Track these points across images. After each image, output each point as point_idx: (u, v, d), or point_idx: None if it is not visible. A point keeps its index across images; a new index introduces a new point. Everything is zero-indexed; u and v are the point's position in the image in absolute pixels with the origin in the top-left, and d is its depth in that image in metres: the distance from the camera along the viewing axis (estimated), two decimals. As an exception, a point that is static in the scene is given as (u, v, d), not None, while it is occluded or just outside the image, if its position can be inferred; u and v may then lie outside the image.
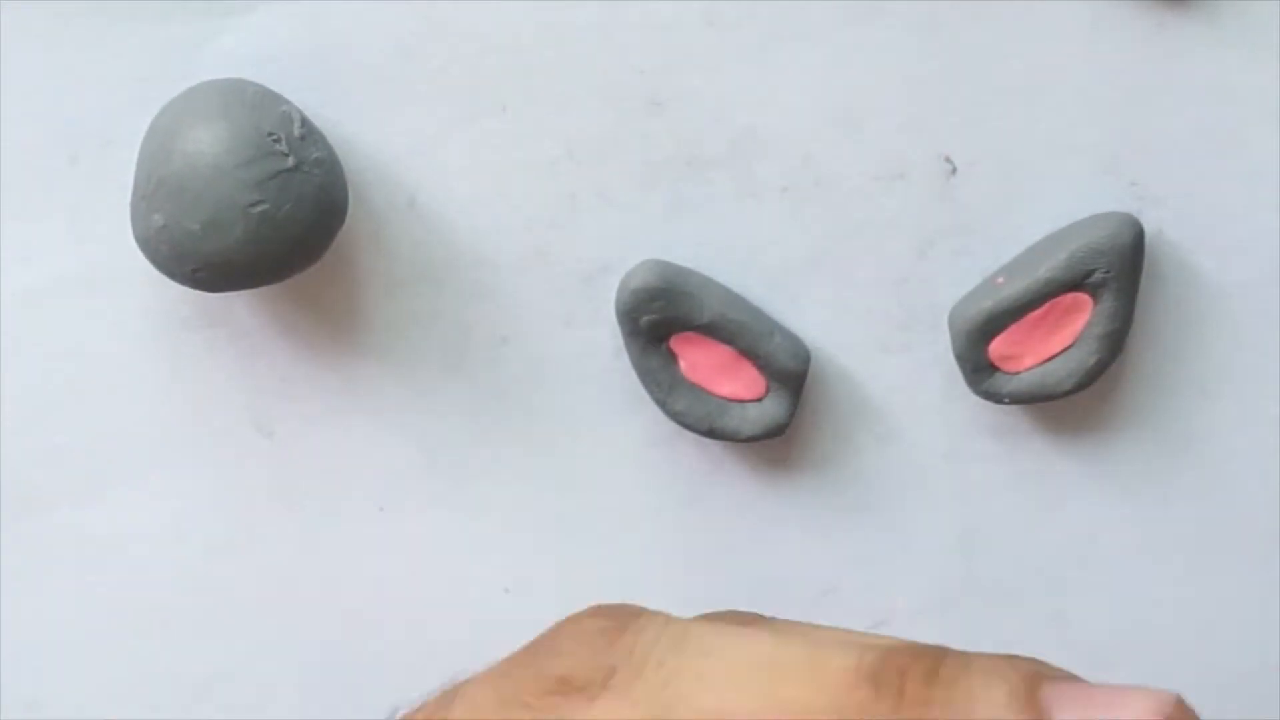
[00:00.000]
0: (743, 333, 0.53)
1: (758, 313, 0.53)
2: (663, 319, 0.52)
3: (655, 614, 0.32)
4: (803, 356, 0.53)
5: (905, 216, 0.53)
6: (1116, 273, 0.51)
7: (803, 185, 0.53)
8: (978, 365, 0.53)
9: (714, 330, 0.53)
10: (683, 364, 0.53)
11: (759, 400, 0.54)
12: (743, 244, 0.53)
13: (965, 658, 0.30)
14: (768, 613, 0.56)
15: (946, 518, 0.56)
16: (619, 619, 0.32)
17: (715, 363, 0.53)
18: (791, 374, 0.53)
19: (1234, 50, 0.51)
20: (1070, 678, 0.30)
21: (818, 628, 0.33)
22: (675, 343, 0.53)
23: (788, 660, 0.30)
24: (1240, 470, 0.55)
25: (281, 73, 0.52)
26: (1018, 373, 0.53)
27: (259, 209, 0.48)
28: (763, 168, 0.53)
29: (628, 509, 0.56)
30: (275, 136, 0.49)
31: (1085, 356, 0.52)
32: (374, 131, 0.53)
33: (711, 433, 0.54)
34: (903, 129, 0.52)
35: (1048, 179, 0.52)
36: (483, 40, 0.52)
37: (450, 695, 0.33)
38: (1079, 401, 0.54)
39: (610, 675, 0.30)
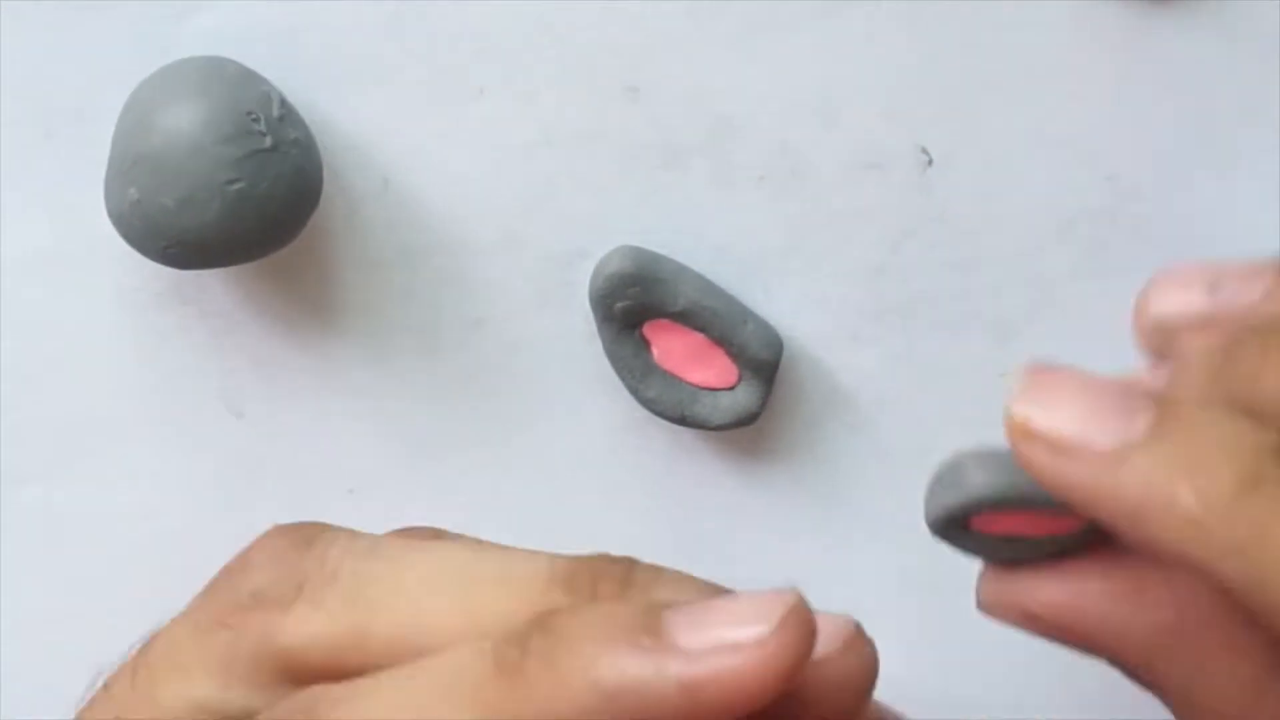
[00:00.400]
0: (715, 321, 0.53)
1: (731, 301, 0.53)
2: (636, 305, 0.52)
3: (341, 529, 0.32)
4: (775, 345, 0.53)
5: (881, 207, 0.53)
6: None
7: (779, 174, 0.53)
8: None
9: (687, 318, 0.53)
10: (655, 351, 0.53)
11: (731, 389, 0.54)
12: (718, 232, 0.53)
13: (659, 570, 0.31)
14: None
15: (917, 507, 0.56)
16: (306, 534, 0.32)
17: (688, 350, 0.53)
18: (764, 363, 0.53)
19: (1214, 44, 0.51)
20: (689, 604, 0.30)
21: (508, 546, 0.33)
22: (648, 329, 0.53)
23: (481, 567, 0.30)
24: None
25: (258, 51, 0.52)
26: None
27: (235, 187, 0.48)
28: (739, 156, 0.53)
29: (598, 495, 0.56)
30: (254, 116, 0.49)
31: None
32: (350, 112, 0.53)
33: (683, 420, 0.54)
34: (880, 119, 0.52)
35: (1025, 172, 0.53)
36: (461, 24, 0.52)
37: (152, 639, 0.33)
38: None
39: (302, 586, 0.30)
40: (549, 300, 0.54)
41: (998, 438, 0.55)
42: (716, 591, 0.31)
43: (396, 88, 0.52)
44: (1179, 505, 0.28)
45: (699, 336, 0.53)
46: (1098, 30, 0.51)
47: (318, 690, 0.29)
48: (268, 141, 0.49)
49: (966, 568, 0.56)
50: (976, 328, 0.54)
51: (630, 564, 0.31)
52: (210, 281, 0.54)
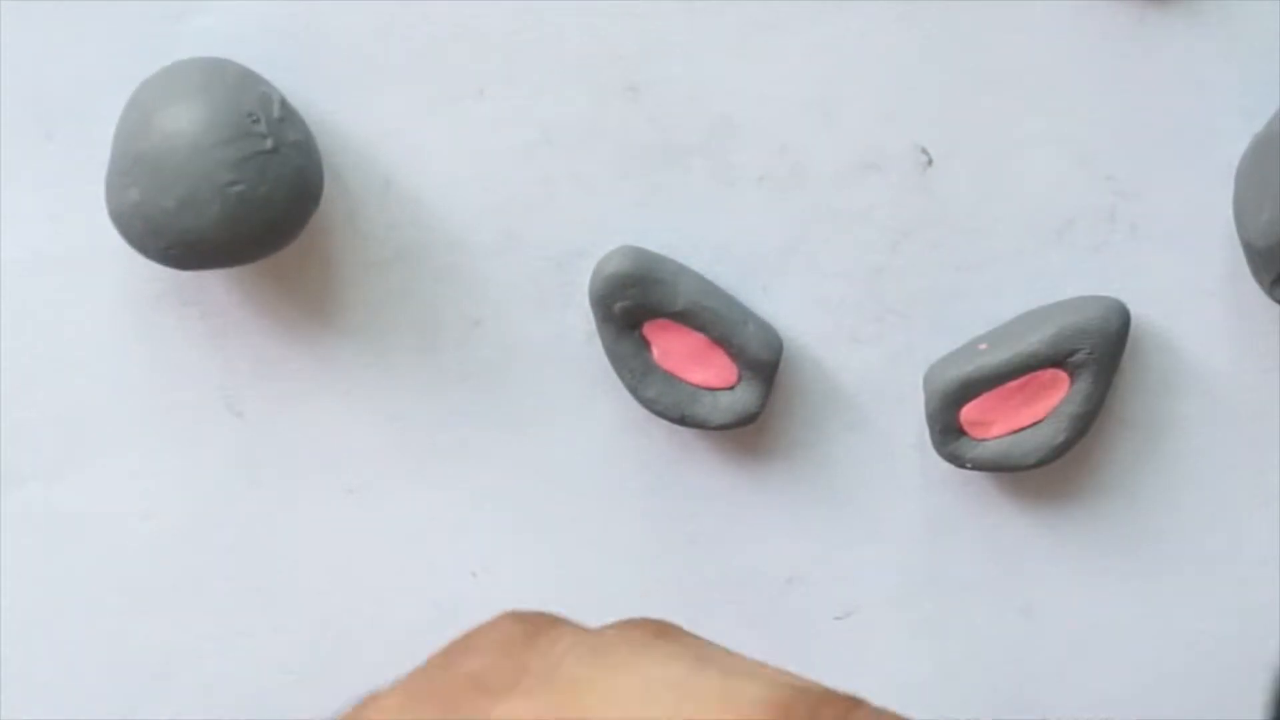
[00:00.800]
0: (716, 321, 0.53)
1: (731, 301, 0.53)
2: (636, 305, 0.52)
3: (572, 623, 0.32)
4: (775, 346, 0.53)
5: (880, 207, 0.53)
6: (1099, 355, 0.52)
7: (779, 174, 0.53)
8: (946, 427, 0.53)
9: (687, 318, 0.53)
10: (655, 351, 0.53)
11: (730, 388, 0.54)
12: (717, 232, 0.53)
13: (879, 712, 0.30)
14: (732, 603, 0.56)
15: (915, 508, 0.56)
16: (535, 625, 0.32)
17: (687, 350, 0.53)
18: (763, 363, 0.53)
19: (1211, 46, 0.51)
20: None
21: (735, 654, 0.33)
22: (648, 329, 0.53)
23: (701, 685, 0.30)
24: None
25: (258, 52, 0.52)
26: (985, 440, 0.53)
27: (236, 189, 0.48)
28: (739, 156, 0.53)
29: (597, 494, 0.56)
30: (255, 117, 0.49)
31: (1054, 434, 0.53)
32: (351, 113, 0.53)
33: (682, 420, 0.54)
34: (880, 120, 0.52)
35: (1024, 172, 0.53)
36: (461, 24, 0.52)
37: (365, 701, 0.33)
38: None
39: (521, 678, 0.30)
40: (549, 300, 0.54)
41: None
42: None
43: (397, 89, 0.52)
44: None
45: (699, 336, 0.53)
46: (1096, 31, 0.51)
47: None
48: (268, 143, 0.49)
49: (964, 567, 0.56)
50: (975, 327, 0.54)
51: (850, 706, 0.30)
52: (210, 282, 0.54)
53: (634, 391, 0.54)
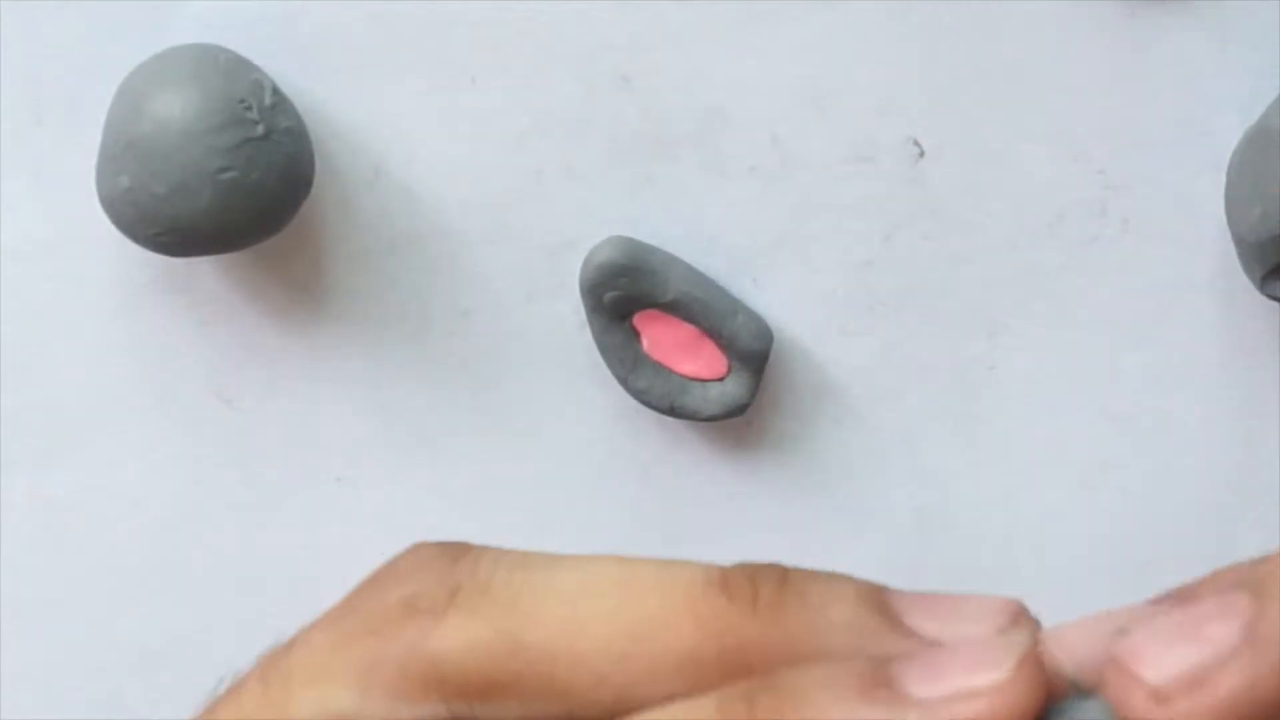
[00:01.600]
0: (706, 312, 0.53)
1: (721, 292, 0.53)
2: (626, 296, 0.52)
3: (490, 546, 0.31)
4: (765, 337, 0.53)
5: (872, 199, 0.53)
6: None
7: (770, 165, 0.53)
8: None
9: (677, 308, 0.53)
10: (645, 341, 0.53)
11: (720, 380, 0.54)
12: (708, 223, 0.53)
13: (811, 571, 0.30)
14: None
15: (904, 499, 0.56)
16: (454, 548, 0.31)
17: (677, 341, 0.53)
18: (753, 354, 0.53)
19: (1203, 40, 0.51)
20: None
21: (656, 558, 0.33)
22: (638, 320, 0.53)
23: (637, 574, 0.29)
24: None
25: (250, 39, 0.52)
26: None
27: (227, 176, 0.48)
28: (730, 147, 0.53)
29: (587, 485, 0.56)
30: (246, 104, 0.49)
31: None
32: (341, 101, 0.53)
33: (672, 411, 0.54)
34: (871, 112, 0.52)
35: (1015, 165, 0.53)
36: (452, 13, 0.52)
37: (288, 644, 0.32)
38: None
39: (455, 594, 0.30)
40: (539, 290, 0.54)
41: (987, 432, 0.55)
42: (876, 593, 0.30)
43: (388, 76, 0.52)
44: None
45: (689, 327, 0.53)
46: (1089, 24, 0.51)
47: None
48: (259, 129, 0.49)
49: (951, 558, 0.56)
50: (966, 321, 0.54)
51: (783, 568, 0.30)
52: (201, 269, 0.54)
53: (623, 382, 0.54)
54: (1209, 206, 0.53)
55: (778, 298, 0.54)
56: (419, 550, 0.31)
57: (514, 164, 0.53)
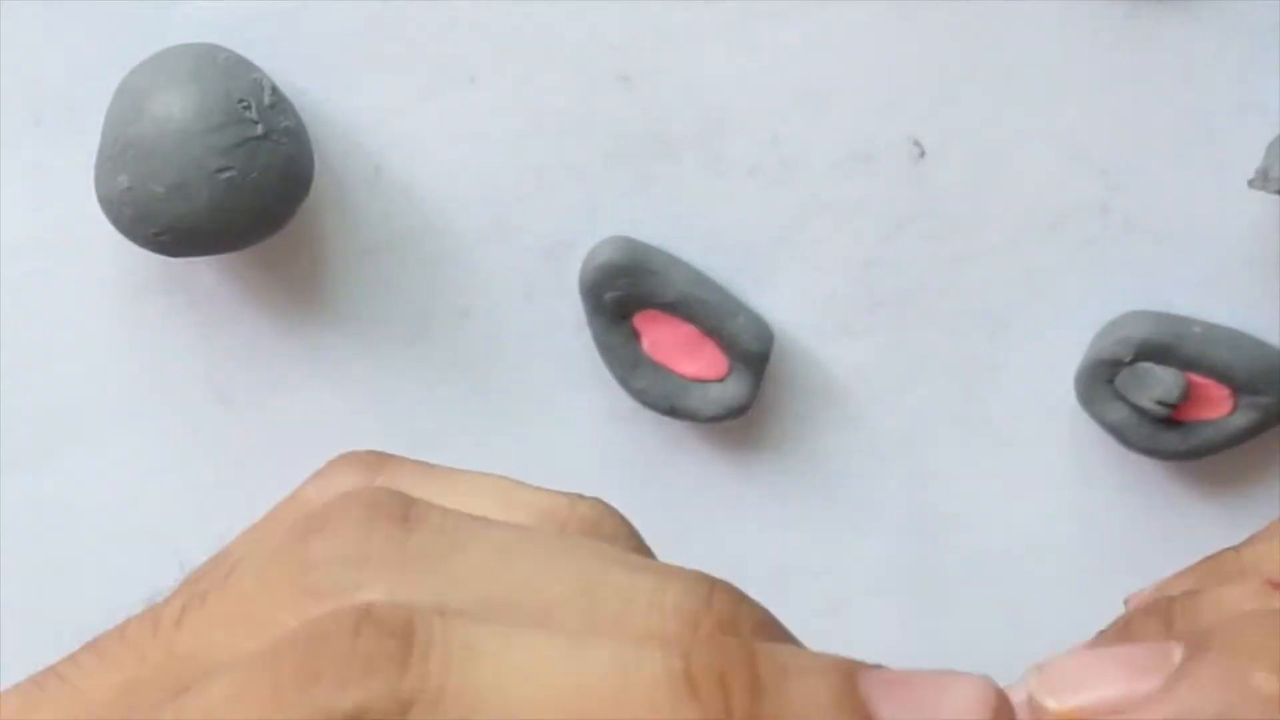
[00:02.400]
0: (706, 312, 0.53)
1: (722, 292, 0.53)
2: (627, 296, 0.52)
3: (440, 612, 0.30)
4: (766, 337, 0.53)
5: (872, 199, 0.53)
6: None
7: (770, 165, 0.53)
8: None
9: (678, 309, 0.53)
10: (645, 342, 0.53)
11: (721, 380, 0.54)
12: (708, 223, 0.53)
13: (776, 656, 0.29)
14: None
15: (904, 499, 0.56)
16: (398, 622, 0.30)
17: (678, 341, 0.53)
18: (754, 355, 0.53)
19: (1205, 40, 0.51)
20: (880, 668, 0.29)
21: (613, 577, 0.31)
22: (639, 320, 0.53)
23: (593, 666, 0.28)
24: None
25: (249, 39, 0.52)
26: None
27: (226, 175, 0.48)
28: (731, 147, 0.53)
29: (586, 485, 0.56)
30: (245, 104, 0.48)
31: None
32: (341, 100, 0.52)
33: (672, 412, 0.54)
34: (872, 111, 0.52)
35: (1016, 165, 0.53)
36: (452, 11, 0.52)
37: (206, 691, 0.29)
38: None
39: (408, 709, 0.28)
40: (538, 289, 0.54)
41: (988, 432, 0.55)
42: (852, 687, 0.29)
43: (388, 76, 0.52)
44: (1259, 688, 0.28)
45: (689, 328, 0.53)
46: (1090, 24, 0.51)
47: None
48: (259, 129, 0.49)
49: (953, 559, 0.56)
50: (968, 321, 0.54)
51: (749, 657, 0.29)
52: (200, 269, 0.54)
53: (624, 382, 0.54)
54: (1210, 206, 0.52)
55: (778, 298, 0.54)
56: (361, 627, 0.28)
57: (513, 163, 0.53)
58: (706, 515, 0.56)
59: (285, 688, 0.28)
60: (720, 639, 0.28)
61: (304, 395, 0.55)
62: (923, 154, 0.53)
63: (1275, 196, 0.51)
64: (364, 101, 0.52)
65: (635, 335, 0.53)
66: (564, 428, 0.56)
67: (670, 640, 0.28)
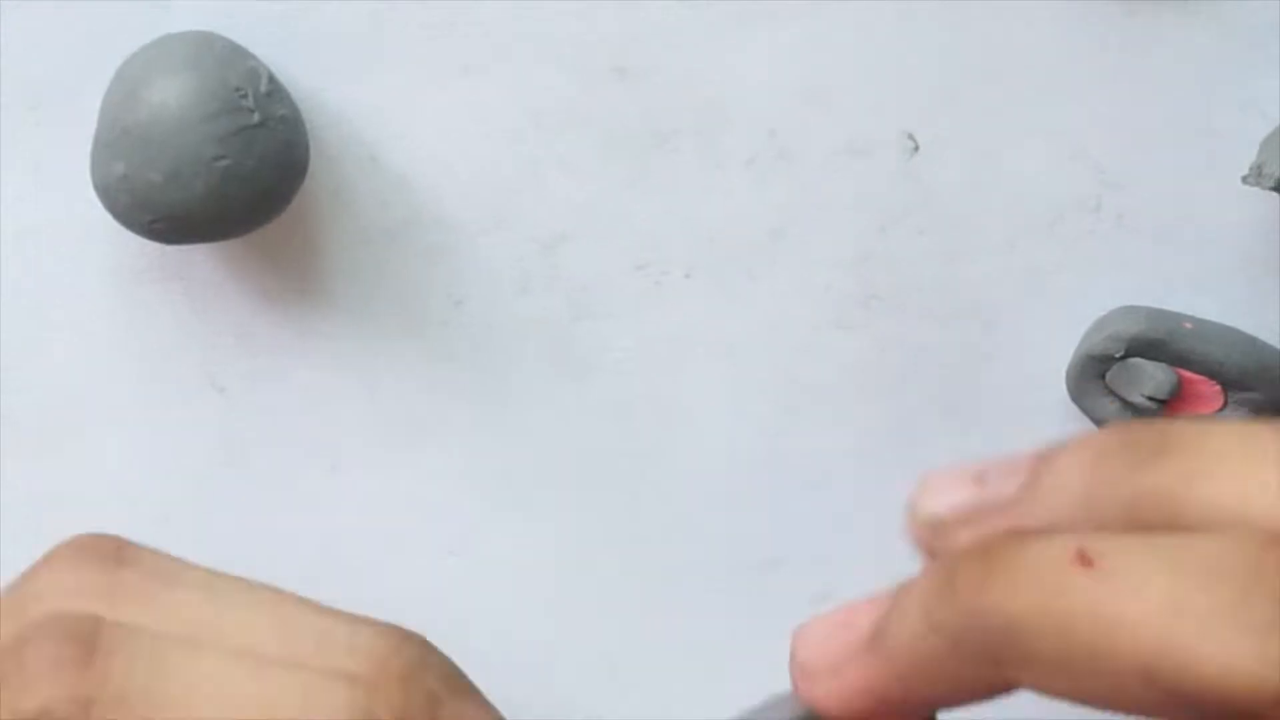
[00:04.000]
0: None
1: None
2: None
3: (127, 616, 0.29)
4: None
5: (867, 193, 0.53)
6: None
7: (766, 159, 0.53)
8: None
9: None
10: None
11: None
12: (704, 216, 0.53)
13: (456, 708, 0.30)
14: (711, 584, 0.56)
15: (899, 493, 0.56)
16: (87, 620, 0.30)
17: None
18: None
19: (1201, 38, 0.51)
20: None
21: (308, 620, 0.31)
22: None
23: (281, 697, 0.28)
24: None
25: (246, 27, 0.52)
26: None
27: (222, 163, 0.48)
28: (727, 140, 0.53)
29: (575, 475, 0.56)
30: (242, 92, 0.48)
31: None
32: (338, 90, 0.52)
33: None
34: (868, 106, 0.52)
35: (1011, 161, 0.53)
36: (449, 3, 0.52)
37: None
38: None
39: (89, 708, 0.29)
40: (532, 282, 0.54)
41: (981, 427, 0.55)
42: None
43: (384, 66, 0.52)
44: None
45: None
46: (1086, 21, 0.51)
47: None
48: (255, 117, 0.49)
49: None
50: (961, 315, 0.54)
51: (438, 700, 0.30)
52: (195, 256, 0.54)
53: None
54: (1204, 203, 0.53)
55: (773, 291, 0.54)
56: (42, 629, 0.29)
57: (509, 155, 0.53)
58: (700, 508, 0.56)
59: None
60: (406, 684, 0.29)
61: (298, 382, 0.55)
62: (917, 149, 0.53)
63: (1269, 193, 0.51)
64: (360, 91, 0.52)
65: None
66: (555, 418, 0.56)
67: (358, 679, 0.29)
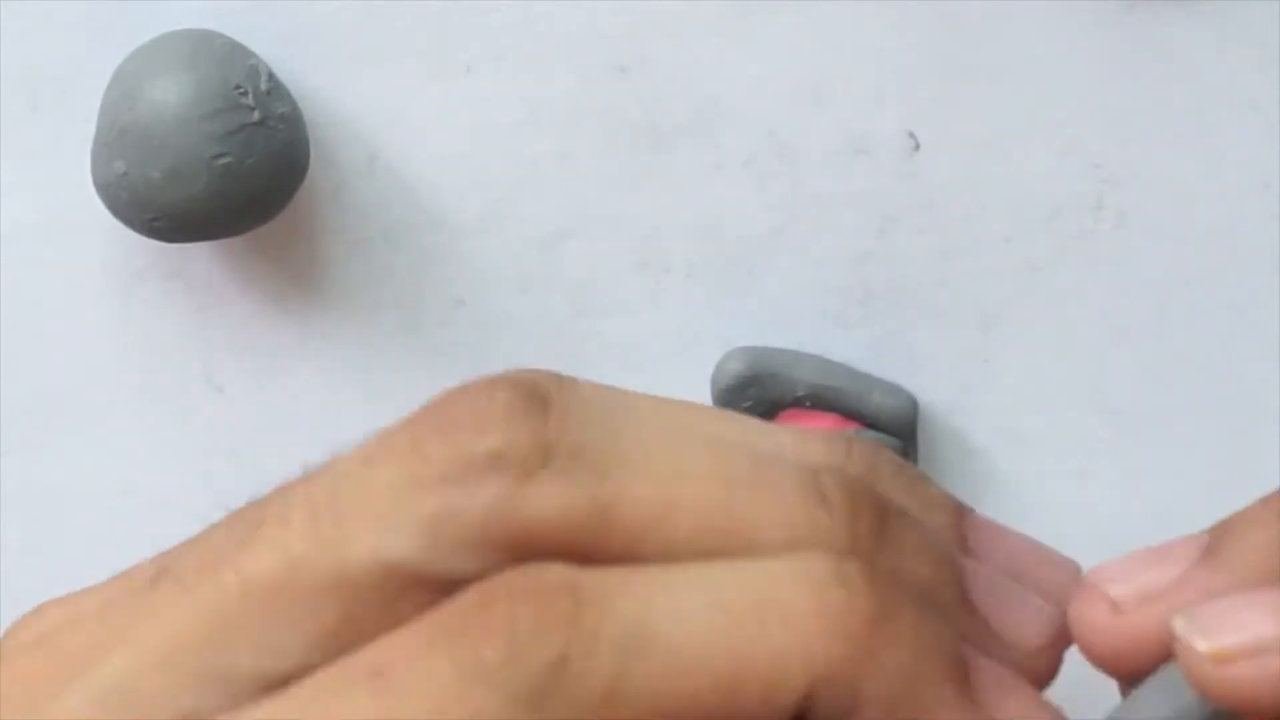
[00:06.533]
0: (841, 399, 0.53)
1: (851, 374, 0.53)
2: (760, 403, 0.53)
3: (571, 381, 0.29)
4: (908, 405, 0.53)
5: (867, 192, 0.53)
6: None
7: (766, 157, 0.53)
8: None
9: (813, 402, 0.53)
10: None
11: None
12: (704, 214, 0.53)
13: (904, 484, 0.30)
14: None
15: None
16: (538, 388, 0.29)
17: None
18: (901, 424, 0.53)
19: (1201, 34, 0.51)
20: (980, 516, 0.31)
21: (758, 424, 0.31)
22: (782, 421, 0.53)
23: (731, 462, 0.28)
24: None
25: (246, 25, 0.52)
26: None
27: (222, 161, 0.48)
28: (727, 138, 0.53)
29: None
30: (242, 90, 0.49)
31: None
32: (337, 88, 0.53)
33: None
34: (868, 104, 0.52)
35: (1011, 158, 0.53)
36: (450, 3, 0.52)
37: (330, 477, 0.29)
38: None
39: (547, 452, 0.27)
40: (532, 281, 0.54)
41: (980, 425, 0.55)
42: (958, 533, 0.30)
43: (385, 64, 0.52)
44: None
45: (831, 416, 0.53)
46: (1086, 18, 0.51)
47: (592, 573, 0.26)
48: (255, 115, 0.49)
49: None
50: (961, 313, 0.54)
51: (883, 489, 0.29)
52: (195, 255, 0.54)
53: None
54: (1204, 200, 0.53)
55: (772, 290, 0.54)
56: (496, 389, 0.29)
57: (509, 153, 0.53)
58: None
59: (422, 437, 0.28)
60: (863, 460, 0.29)
61: (297, 382, 0.55)
62: (918, 147, 0.53)
63: (1269, 192, 0.51)
64: (360, 89, 0.52)
65: None
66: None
67: (811, 456, 0.29)
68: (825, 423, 0.53)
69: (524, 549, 0.27)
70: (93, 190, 0.50)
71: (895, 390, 0.54)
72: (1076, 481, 0.56)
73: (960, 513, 0.30)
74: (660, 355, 0.55)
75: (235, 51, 0.50)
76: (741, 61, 0.52)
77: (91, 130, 0.50)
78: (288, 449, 0.56)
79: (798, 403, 0.53)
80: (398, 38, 0.52)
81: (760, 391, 0.53)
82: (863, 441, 0.30)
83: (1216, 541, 0.30)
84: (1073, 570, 0.31)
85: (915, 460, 0.54)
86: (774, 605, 0.26)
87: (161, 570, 0.29)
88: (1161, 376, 0.54)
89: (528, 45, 0.52)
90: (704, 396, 0.54)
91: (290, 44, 0.52)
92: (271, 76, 0.50)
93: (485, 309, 0.55)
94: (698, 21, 0.52)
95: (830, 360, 0.54)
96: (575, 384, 0.29)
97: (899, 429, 0.53)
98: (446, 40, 0.52)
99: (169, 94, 0.48)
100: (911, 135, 0.53)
